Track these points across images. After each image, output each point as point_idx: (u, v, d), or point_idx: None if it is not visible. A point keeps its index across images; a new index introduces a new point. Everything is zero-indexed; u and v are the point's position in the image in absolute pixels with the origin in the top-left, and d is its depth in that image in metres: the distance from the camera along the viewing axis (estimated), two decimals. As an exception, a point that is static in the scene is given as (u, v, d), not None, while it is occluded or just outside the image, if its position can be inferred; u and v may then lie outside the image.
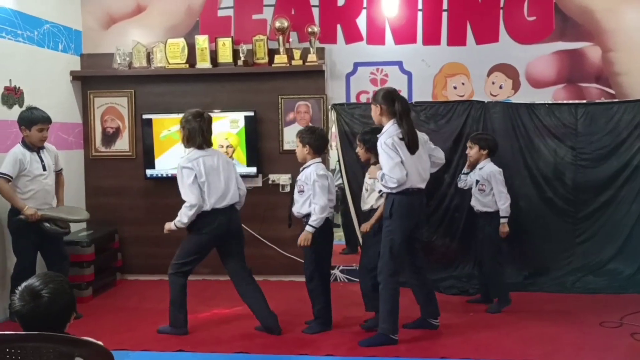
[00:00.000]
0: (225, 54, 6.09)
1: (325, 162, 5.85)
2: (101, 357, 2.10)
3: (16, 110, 5.11)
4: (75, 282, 5.40)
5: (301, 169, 4.65)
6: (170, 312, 4.65)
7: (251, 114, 6.06)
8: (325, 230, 4.58)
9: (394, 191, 4.32)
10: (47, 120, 4.83)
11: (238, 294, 4.71)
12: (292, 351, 4.30)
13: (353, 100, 6.16)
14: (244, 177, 6.05)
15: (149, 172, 6.19)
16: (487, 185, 5.12)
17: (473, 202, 5.24)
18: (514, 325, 4.74)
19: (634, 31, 5.85)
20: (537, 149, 5.85)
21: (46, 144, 4.96)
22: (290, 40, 6.10)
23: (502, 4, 5.99)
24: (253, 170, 6.08)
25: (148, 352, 4.32)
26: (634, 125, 5.75)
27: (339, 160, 6.02)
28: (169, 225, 4.62)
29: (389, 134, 4.30)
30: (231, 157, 6.00)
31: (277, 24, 5.95)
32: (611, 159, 5.79)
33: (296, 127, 5.93)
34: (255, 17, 6.21)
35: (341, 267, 6.10)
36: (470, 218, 5.65)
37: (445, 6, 6.03)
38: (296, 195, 4.61)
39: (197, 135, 4.56)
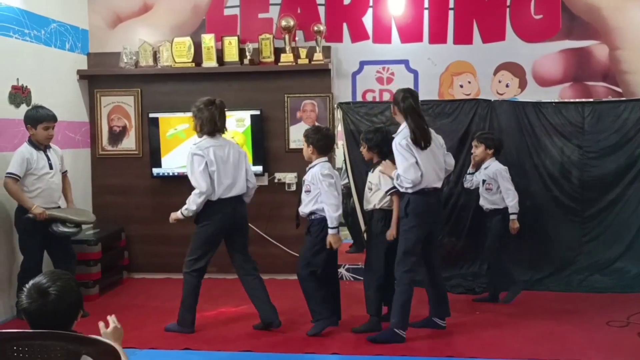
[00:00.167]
0: (231, 53, 6.10)
1: (331, 161, 5.86)
2: (108, 355, 2.11)
3: (23, 109, 5.12)
4: (82, 280, 5.42)
5: (307, 168, 4.65)
6: (179, 310, 4.67)
7: (257, 112, 6.07)
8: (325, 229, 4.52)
9: (409, 191, 4.34)
10: (52, 118, 4.85)
11: (243, 286, 4.74)
12: (299, 350, 4.30)
13: (359, 98, 6.16)
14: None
15: (155, 170, 6.20)
16: (494, 184, 5.15)
17: (482, 202, 5.25)
18: (520, 324, 4.73)
19: (641, 29, 5.83)
20: (543, 148, 5.84)
21: (52, 144, 4.98)
22: (297, 39, 6.10)
23: (508, 3, 5.97)
24: (259, 169, 6.08)
25: (155, 351, 4.33)
26: (642, 123, 5.74)
27: (345, 159, 6.02)
28: (176, 215, 4.63)
29: (403, 134, 4.34)
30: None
31: (283, 23, 5.96)
32: (618, 158, 5.77)
33: (302, 126, 5.94)
34: (261, 15, 6.21)
35: (347, 266, 6.10)
36: (477, 217, 5.65)
37: (451, 5, 6.02)
38: (303, 195, 4.61)
39: (209, 122, 4.55)
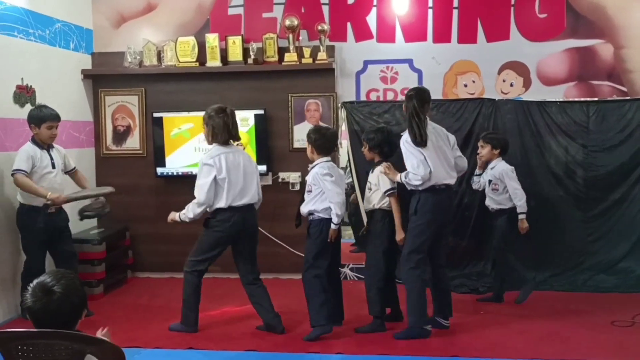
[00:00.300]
0: (235, 52, 6.10)
1: (335, 160, 5.86)
2: (112, 355, 2.11)
3: (28, 109, 5.13)
4: (87, 279, 5.43)
5: (309, 169, 4.65)
6: (182, 309, 4.67)
7: (261, 112, 6.07)
8: (326, 228, 4.50)
9: (419, 188, 4.36)
10: (56, 117, 4.86)
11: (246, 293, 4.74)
12: (302, 349, 4.30)
13: (363, 98, 6.15)
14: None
15: (159, 170, 6.21)
16: (500, 184, 5.13)
17: (488, 202, 5.24)
18: (524, 324, 4.73)
19: (646, 28, 5.82)
20: (548, 147, 5.82)
21: (54, 144, 4.99)
22: (300, 38, 6.10)
23: (513, 2, 5.95)
24: (263, 168, 6.08)
25: (159, 350, 4.34)
26: (646, 123, 5.72)
27: (348, 159, 6.01)
28: (174, 216, 4.65)
29: (407, 134, 4.40)
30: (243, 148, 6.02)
31: (287, 22, 5.96)
32: (623, 157, 5.75)
33: (306, 125, 5.94)
34: (265, 15, 6.21)
35: (351, 265, 6.10)
36: (481, 217, 5.65)
37: (455, 4, 6.01)
38: (305, 195, 4.61)
39: (222, 131, 4.54)
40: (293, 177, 6.13)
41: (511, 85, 6.03)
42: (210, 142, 4.64)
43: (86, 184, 5.24)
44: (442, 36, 6.04)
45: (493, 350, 4.22)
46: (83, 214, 5.06)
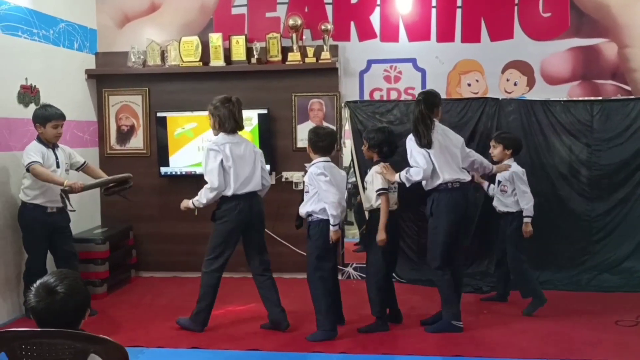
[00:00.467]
0: (238, 52, 6.11)
1: (338, 160, 5.86)
2: (116, 354, 2.12)
3: (32, 109, 5.14)
4: (90, 279, 5.46)
5: (306, 168, 4.64)
6: (196, 307, 4.67)
7: (264, 111, 6.07)
8: (326, 229, 4.46)
9: (428, 188, 4.47)
10: (61, 116, 4.87)
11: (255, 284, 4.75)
12: (306, 349, 4.31)
13: (366, 97, 6.15)
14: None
15: (163, 169, 6.22)
16: (509, 186, 5.02)
17: (495, 203, 5.15)
18: (528, 324, 4.72)
19: (650, 27, 5.80)
20: (552, 146, 5.81)
21: (59, 144, 5.00)
22: (304, 37, 6.10)
23: (516, 1, 5.94)
24: (266, 167, 6.08)
25: (162, 349, 4.35)
26: (651, 122, 5.70)
27: (352, 158, 6.01)
28: (187, 203, 4.64)
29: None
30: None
31: (291, 22, 5.96)
32: (627, 156, 5.73)
33: (310, 125, 5.94)
34: (268, 14, 6.21)
35: (354, 265, 6.10)
36: (484, 216, 5.64)
37: (459, 3, 6.00)
38: (304, 196, 4.60)
39: (229, 119, 4.56)
40: (296, 176, 6.14)
41: (515, 84, 6.02)
42: (216, 133, 4.65)
43: (102, 174, 5.22)
44: (445, 35, 6.04)
45: (496, 349, 4.22)
46: (109, 190, 5.06)
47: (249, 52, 6.10)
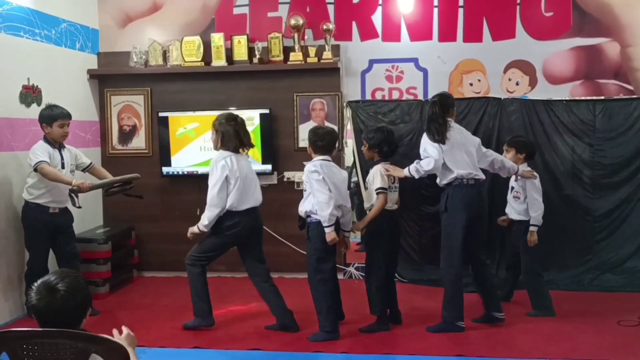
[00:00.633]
0: (240, 52, 6.11)
1: (339, 159, 5.86)
2: (117, 354, 2.12)
3: (34, 109, 5.16)
4: (92, 279, 5.46)
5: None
6: (193, 304, 4.68)
7: (266, 111, 6.07)
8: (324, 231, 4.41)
9: (444, 181, 4.48)
10: (67, 116, 4.89)
11: (257, 291, 4.74)
12: (307, 349, 4.30)
13: (368, 97, 6.15)
14: (259, 174, 6.08)
15: (165, 169, 6.22)
16: (522, 193, 4.93)
17: (508, 210, 5.08)
18: (531, 323, 4.71)
19: (653, 26, 5.78)
20: (554, 146, 5.80)
21: (66, 144, 5.01)
22: (306, 37, 6.10)
23: (518, 0, 5.93)
24: (268, 167, 6.10)
25: (164, 349, 4.35)
26: (653, 121, 5.69)
27: (354, 158, 6.01)
28: (193, 229, 4.63)
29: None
30: (246, 154, 6.01)
31: (292, 22, 5.96)
32: (630, 156, 5.73)
33: (311, 125, 5.95)
34: (270, 14, 6.21)
35: (356, 265, 6.09)
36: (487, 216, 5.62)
37: (461, 2, 5.99)
38: (304, 194, 4.59)
39: (232, 138, 4.55)
40: (298, 176, 6.12)
41: (517, 84, 6.01)
42: (217, 149, 4.63)
43: (109, 176, 5.22)
44: (447, 35, 6.03)
45: (498, 349, 4.21)
46: (109, 191, 5.09)
47: (251, 52, 6.10)
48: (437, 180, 4.62)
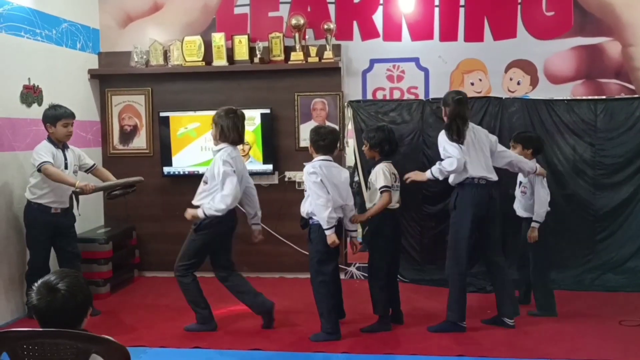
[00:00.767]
0: (241, 52, 6.10)
1: (340, 159, 5.86)
2: (117, 354, 2.11)
3: (35, 109, 5.16)
4: (93, 279, 5.46)
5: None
6: (194, 312, 4.68)
7: (267, 111, 6.07)
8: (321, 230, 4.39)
9: (456, 182, 4.45)
10: (71, 115, 4.90)
11: (228, 288, 4.70)
12: (308, 349, 4.30)
13: (369, 96, 6.14)
14: (261, 174, 6.10)
15: (166, 169, 6.22)
16: (528, 188, 4.92)
17: (515, 206, 5.07)
18: (531, 324, 4.70)
19: (654, 26, 5.78)
20: (555, 146, 5.79)
21: (70, 145, 5.01)
22: (307, 37, 6.09)
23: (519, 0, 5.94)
24: (269, 167, 6.09)
25: (165, 349, 4.35)
26: (655, 121, 5.68)
27: (355, 157, 6.01)
28: (195, 212, 4.50)
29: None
30: (247, 154, 6.03)
31: (293, 21, 5.95)
32: (631, 156, 5.72)
33: (312, 125, 5.94)
34: (271, 14, 6.21)
35: (357, 265, 6.09)
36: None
37: (462, 2, 5.99)
38: (304, 193, 4.57)
39: (231, 131, 4.55)
40: (299, 176, 6.11)
41: (518, 83, 6.00)
42: (217, 143, 4.63)
43: (112, 178, 5.19)
44: (448, 34, 6.02)
45: (499, 349, 4.21)
46: (111, 194, 5.09)
47: (252, 51, 6.09)
48: (450, 180, 4.59)
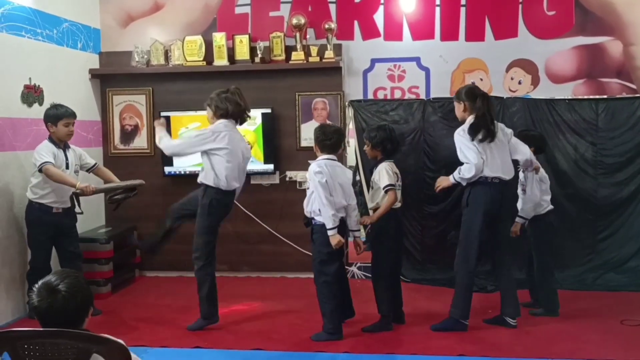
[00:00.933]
0: (242, 51, 6.10)
1: (342, 159, 5.85)
2: (118, 354, 2.11)
3: (36, 108, 5.16)
4: (94, 278, 5.46)
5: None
6: (201, 306, 4.67)
7: (268, 111, 6.07)
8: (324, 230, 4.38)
9: (472, 180, 4.40)
10: (72, 115, 4.90)
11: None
12: (309, 348, 4.30)
13: (370, 96, 6.14)
14: (262, 174, 6.10)
15: (167, 169, 6.22)
16: (526, 186, 4.88)
17: (518, 204, 5.01)
18: (533, 323, 4.70)
19: (656, 25, 5.77)
20: (557, 145, 5.79)
21: (71, 145, 5.01)
22: (307, 37, 6.09)
23: (521, -1, 5.94)
24: (270, 167, 6.09)
25: (166, 349, 4.34)
26: (656, 120, 5.67)
27: (356, 157, 6.01)
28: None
29: (465, 126, 4.46)
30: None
31: (294, 21, 5.95)
32: (633, 155, 5.72)
33: (313, 124, 5.94)
34: (272, 14, 6.20)
35: (359, 264, 6.08)
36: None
37: (463, 1, 5.98)
38: (307, 192, 4.55)
39: (226, 102, 4.58)
40: (300, 175, 6.12)
41: (519, 83, 6.00)
42: (213, 119, 4.65)
43: (114, 178, 5.20)
44: (449, 34, 6.02)
45: (500, 349, 4.20)
46: (112, 198, 5.10)
47: (253, 51, 6.09)
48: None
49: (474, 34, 5.99)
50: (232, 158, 4.54)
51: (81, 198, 5.01)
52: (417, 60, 6.08)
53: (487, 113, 4.44)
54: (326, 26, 5.95)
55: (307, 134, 6.04)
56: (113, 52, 6.38)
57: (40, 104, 5.26)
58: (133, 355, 2.14)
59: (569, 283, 5.62)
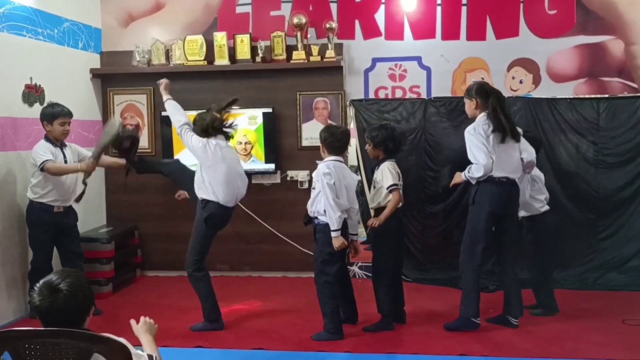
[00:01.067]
0: (243, 51, 6.10)
1: (343, 159, 5.84)
2: (119, 354, 2.11)
3: (37, 108, 5.16)
4: (95, 278, 5.46)
5: (318, 164, 4.61)
6: (203, 308, 4.68)
7: (269, 110, 6.06)
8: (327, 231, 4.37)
9: (481, 179, 4.39)
10: (68, 114, 4.90)
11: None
12: (310, 348, 4.30)
13: (371, 95, 6.13)
14: (263, 173, 6.09)
15: (168, 169, 6.21)
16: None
17: None
18: (534, 323, 4.69)
19: (657, 24, 5.76)
20: (558, 145, 5.78)
21: (67, 142, 5.01)
22: (308, 36, 6.09)
23: (522, -2, 5.93)
24: (271, 166, 6.09)
25: (167, 348, 4.32)
26: (658, 119, 5.66)
27: (357, 157, 6.00)
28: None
29: (475, 124, 4.43)
30: (249, 153, 6.03)
31: (295, 20, 5.95)
32: (634, 154, 5.71)
33: (314, 124, 5.95)
34: (273, 13, 6.20)
35: (360, 264, 6.08)
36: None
37: (464, 0, 5.98)
38: (312, 192, 4.56)
39: (203, 116, 4.67)
40: (301, 175, 6.12)
41: (521, 82, 5.99)
42: (202, 133, 4.66)
43: (110, 158, 5.31)
44: (450, 33, 6.01)
45: (501, 349, 4.20)
46: (128, 156, 5.04)
47: (254, 50, 6.09)
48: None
49: (475, 33, 5.99)
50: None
51: (85, 193, 5.01)
52: (418, 59, 6.08)
53: (501, 110, 4.42)
54: (327, 25, 5.94)
55: (308, 133, 6.04)
56: (114, 52, 6.38)
57: (41, 103, 5.25)
58: (150, 354, 2.13)
59: (570, 283, 5.62)
